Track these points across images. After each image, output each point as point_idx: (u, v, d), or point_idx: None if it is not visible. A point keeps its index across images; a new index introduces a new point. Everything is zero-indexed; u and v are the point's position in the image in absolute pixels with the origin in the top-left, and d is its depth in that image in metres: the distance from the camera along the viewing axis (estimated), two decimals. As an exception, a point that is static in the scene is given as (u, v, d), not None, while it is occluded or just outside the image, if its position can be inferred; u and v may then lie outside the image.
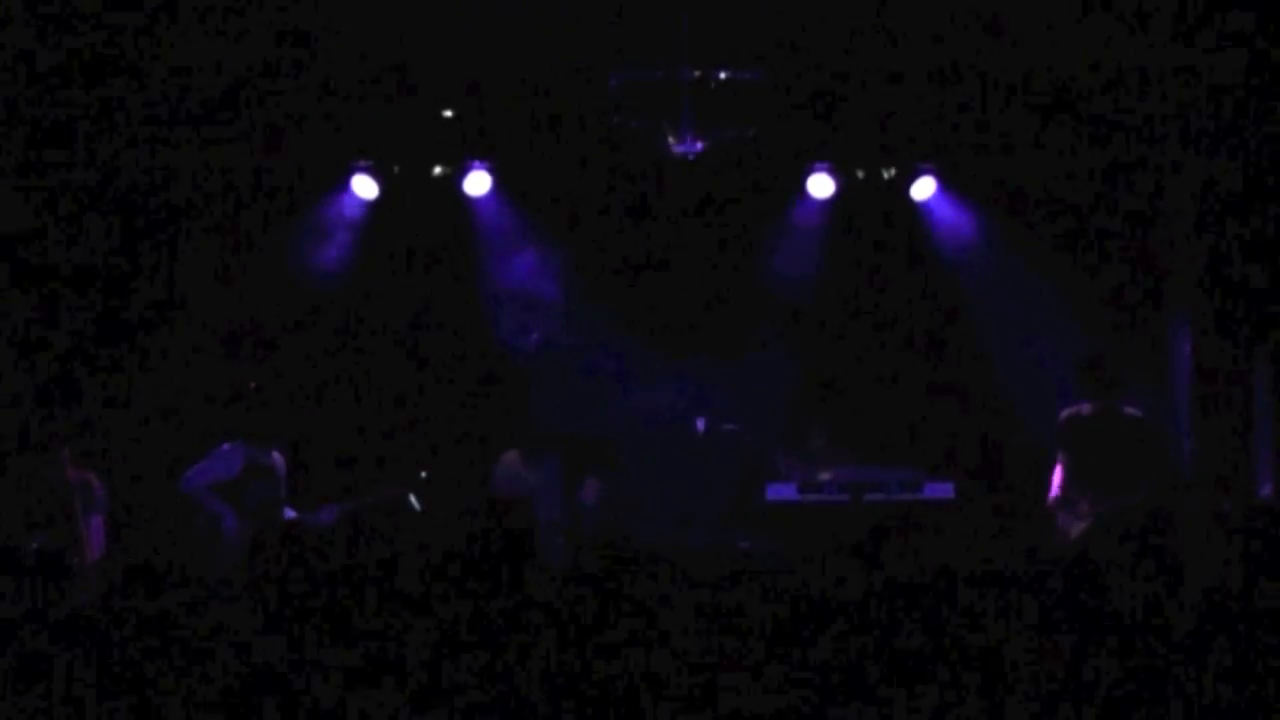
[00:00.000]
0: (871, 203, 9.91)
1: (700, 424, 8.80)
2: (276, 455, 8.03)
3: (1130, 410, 8.01)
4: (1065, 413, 8.09)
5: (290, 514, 7.94)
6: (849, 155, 9.69)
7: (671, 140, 8.55)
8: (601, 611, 4.05)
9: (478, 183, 9.74)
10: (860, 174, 9.78)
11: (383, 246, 9.92)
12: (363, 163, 9.62)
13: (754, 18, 8.26)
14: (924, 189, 9.78)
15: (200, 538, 7.68)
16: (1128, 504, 7.61)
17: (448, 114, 9.37)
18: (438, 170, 9.77)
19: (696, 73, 8.34)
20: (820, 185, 9.75)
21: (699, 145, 8.55)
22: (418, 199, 9.85)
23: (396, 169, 9.70)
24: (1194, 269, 9.42)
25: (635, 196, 9.92)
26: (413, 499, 8.09)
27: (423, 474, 8.42)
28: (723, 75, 8.43)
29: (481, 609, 4.06)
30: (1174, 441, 9.42)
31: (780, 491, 8.41)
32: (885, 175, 9.78)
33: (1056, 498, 7.98)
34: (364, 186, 9.68)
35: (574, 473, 8.81)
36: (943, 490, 8.33)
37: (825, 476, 8.36)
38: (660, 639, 3.93)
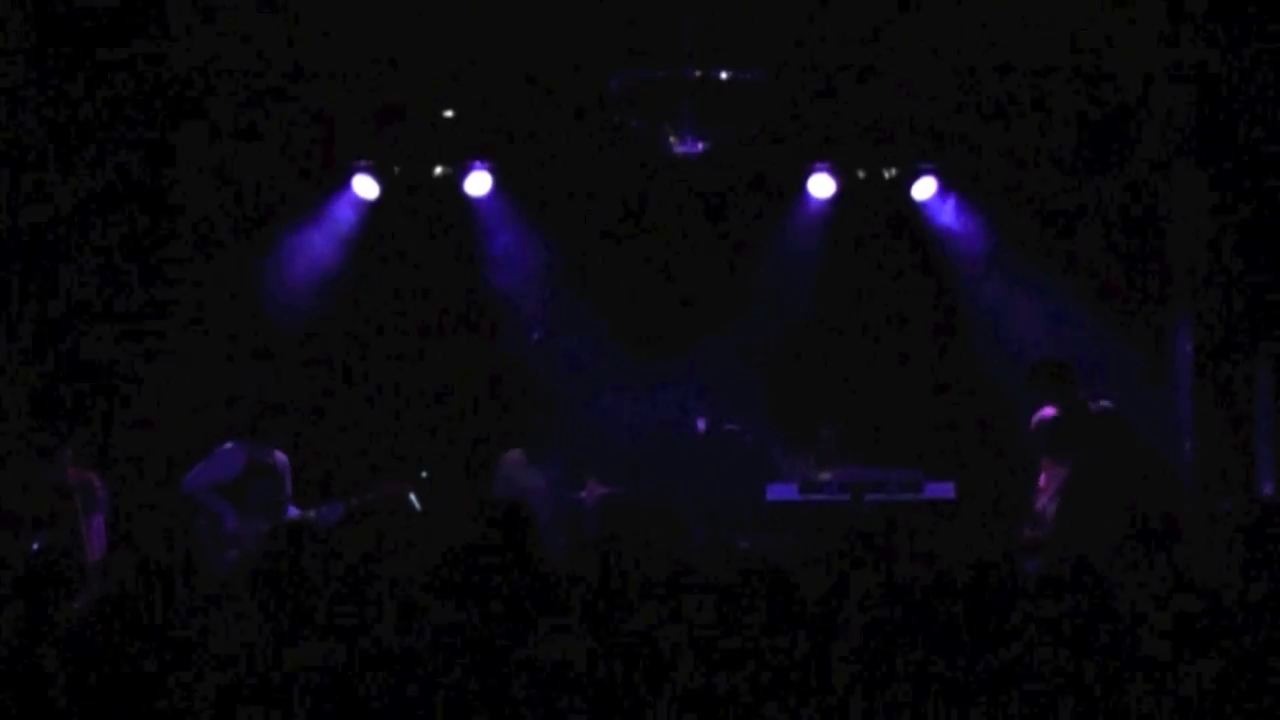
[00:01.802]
0: (872, 203, 9.91)
1: (701, 424, 8.79)
2: (278, 454, 8.02)
3: (1093, 405, 7.98)
4: (1034, 419, 8.06)
5: (294, 512, 7.94)
6: (849, 155, 9.69)
7: (672, 140, 8.55)
8: (601, 612, 4.05)
9: (478, 183, 9.74)
10: (861, 174, 9.78)
11: (383, 247, 9.92)
12: (363, 163, 9.62)
13: (754, 18, 8.26)
14: (924, 189, 9.78)
15: (202, 538, 7.68)
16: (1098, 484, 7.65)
17: (448, 114, 9.37)
18: (438, 170, 9.77)
19: (697, 72, 8.34)
20: (821, 185, 9.75)
21: (700, 145, 8.55)
22: (418, 199, 9.85)
23: (397, 169, 9.70)
24: (1195, 268, 9.41)
25: (636, 196, 9.91)
26: (413, 499, 8.09)
27: (423, 474, 8.41)
28: (724, 75, 8.43)
29: (482, 608, 4.06)
30: (1175, 441, 9.41)
31: (781, 491, 8.42)
32: (885, 175, 9.78)
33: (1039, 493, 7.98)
34: (364, 186, 9.68)
35: (575, 473, 8.82)
36: (943, 490, 8.33)
37: (826, 477, 8.36)
38: (661, 639, 3.93)
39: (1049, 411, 7.98)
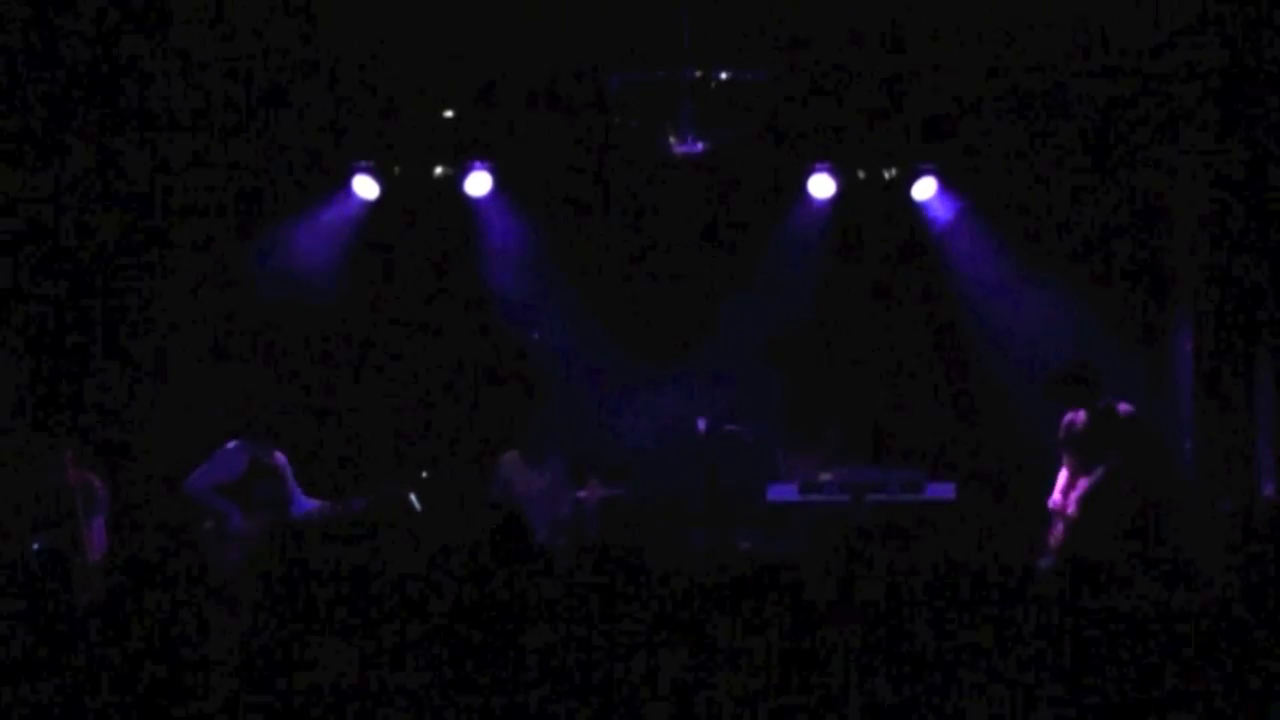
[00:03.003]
0: (872, 203, 9.91)
1: (701, 424, 8.79)
2: (279, 455, 8.03)
3: (1122, 408, 8.04)
4: (1064, 420, 8.15)
5: (310, 504, 7.96)
6: (849, 155, 9.68)
7: (672, 140, 8.55)
8: (602, 612, 4.04)
9: (478, 183, 9.73)
10: (861, 174, 9.78)
11: (384, 247, 9.92)
12: (363, 163, 9.62)
13: (754, 18, 8.26)
14: (924, 189, 9.77)
15: (207, 538, 7.68)
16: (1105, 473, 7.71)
17: (448, 114, 9.37)
18: (439, 171, 9.76)
19: (697, 73, 8.34)
20: (821, 185, 9.74)
21: (700, 145, 8.54)
22: (419, 199, 9.85)
23: (397, 169, 9.70)
24: (1196, 268, 9.41)
25: (636, 196, 9.91)
26: (413, 499, 8.09)
27: (423, 474, 8.41)
28: (724, 75, 8.43)
29: (481, 609, 4.06)
30: (1175, 441, 9.42)
31: (781, 492, 8.42)
32: (885, 175, 9.78)
33: (1056, 501, 8.05)
34: (364, 186, 9.67)
35: (575, 473, 8.82)
36: (944, 491, 8.34)
37: (826, 477, 8.36)
38: (661, 640, 3.93)
39: (1080, 415, 8.04)
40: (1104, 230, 9.75)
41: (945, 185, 9.78)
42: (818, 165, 9.70)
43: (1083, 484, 7.91)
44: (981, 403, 9.77)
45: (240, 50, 8.62)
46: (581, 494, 8.66)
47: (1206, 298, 9.32)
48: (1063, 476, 8.14)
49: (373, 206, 9.76)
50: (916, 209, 9.88)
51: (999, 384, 9.56)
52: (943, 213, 9.90)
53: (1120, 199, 9.69)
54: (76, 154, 9.10)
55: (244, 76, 8.93)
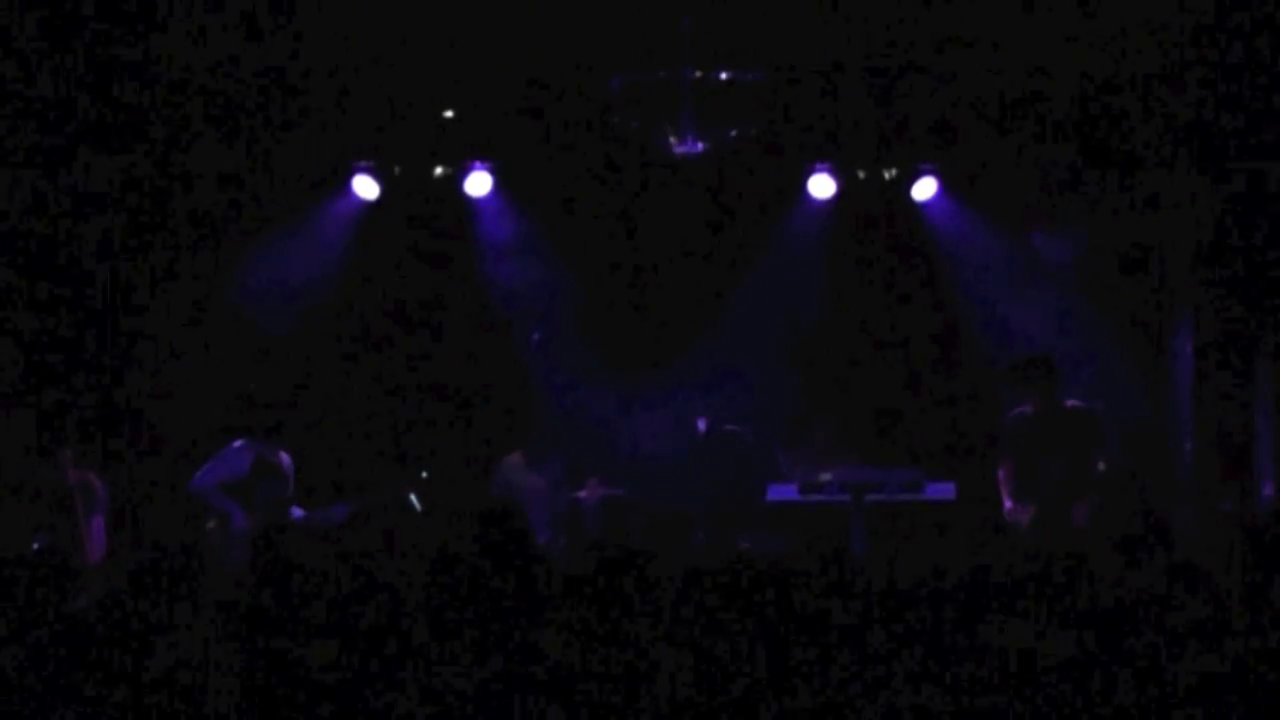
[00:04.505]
0: (872, 203, 9.91)
1: (701, 424, 8.79)
2: (284, 455, 8.03)
3: (1072, 403, 7.96)
4: (1011, 415, 8.04)
5: (299, 513, 7.94)
6: (849, 155, 9.69)
7: (672, 141, 8.55)
8: (602, 612, 4.04)
9: (478, 183, 9.74)
10: (861, 174, 9.78)
11: (383, 247, 9.92)
12: (363, 163, 9.62)
13: (754, 18, 8.27)
14: (924, 189, 9.77)
15: (210, 538, 7.68)
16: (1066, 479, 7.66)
17: (448, 114, 9.37)
18: (439, 171, 9.77)
19: (697, 73, 8.34)
20: (821, 186, 9.75)
21: (700, 146, 8.55)
22: (418, 199, 9.85)
23: (397, 169, 9.70)
24: (1195, 268, 9.42)
25: (636, 196, 9.92)
26: (413, 499, 8.09)
27: (423, 474, 8.41)
28: (724, 75, 8.43)
29: (481, 609, 4.07)
30: (1175, 441, 9.42)
31: (781, 491, 8.42)
32: (886, 175, 9.78)
33: (1010, 509, 7.91)
34: (364, 186, 9.68)
35: (575, 473, 8.82)
36: (944, 490, 8.33)
37: (826, 477, 8.36)
38: (660, 640, 3.93)
39: (1026, 408, 7.96)
40: (1102, 230, 9.75)
41: (944, 185, 9.77)
42: (818, 165, 9.70)
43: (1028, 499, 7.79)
44: (981, 402, 9.77)
45: (240, 50, 8.62)
46: (581, 494, 8.66)
47: (1206, 298, 9.32)
48: (1003, 479, 8.01)
49: (373, 206, 9.76)
50: (916, 209, 9.89)
51: (998, 383, 9.54)
52: (943, 214, 9.89)
53: (1120, 198, 9.69)
54: (77, 155, 9.10)
55: (244, 77, 8.93)
